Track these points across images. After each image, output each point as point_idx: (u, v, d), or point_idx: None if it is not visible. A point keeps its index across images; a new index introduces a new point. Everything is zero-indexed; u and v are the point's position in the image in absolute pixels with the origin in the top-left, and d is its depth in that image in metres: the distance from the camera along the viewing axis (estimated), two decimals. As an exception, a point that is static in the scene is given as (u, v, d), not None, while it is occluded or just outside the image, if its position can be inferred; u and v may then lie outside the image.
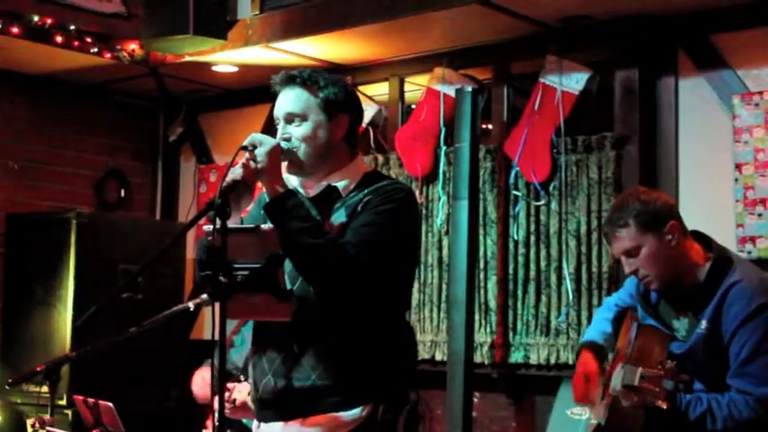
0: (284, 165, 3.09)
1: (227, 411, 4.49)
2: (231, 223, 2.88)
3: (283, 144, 3.07)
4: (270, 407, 3.12)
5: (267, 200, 3.02)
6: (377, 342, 3.07)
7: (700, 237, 3.61)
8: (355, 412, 3.02)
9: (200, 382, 4.72)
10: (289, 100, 3.13)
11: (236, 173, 2.94)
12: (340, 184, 3.14)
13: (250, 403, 3.63)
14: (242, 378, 4.54)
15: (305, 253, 2.94)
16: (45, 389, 3.98)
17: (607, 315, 3.85)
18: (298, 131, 3.10)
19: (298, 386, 3.03)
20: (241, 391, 4.17)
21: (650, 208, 3.51)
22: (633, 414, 3.37)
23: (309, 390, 3.02)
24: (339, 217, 3.07)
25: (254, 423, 3.25)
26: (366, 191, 3.10)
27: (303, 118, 3.11)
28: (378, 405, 3.04)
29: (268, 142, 3.01)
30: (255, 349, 3.19)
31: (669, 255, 3.48)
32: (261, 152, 2.97)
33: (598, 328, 3.83)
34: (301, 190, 3.16)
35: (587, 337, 3.84)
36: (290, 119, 3.12)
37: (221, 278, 2.69)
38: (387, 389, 3.08)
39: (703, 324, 3.43)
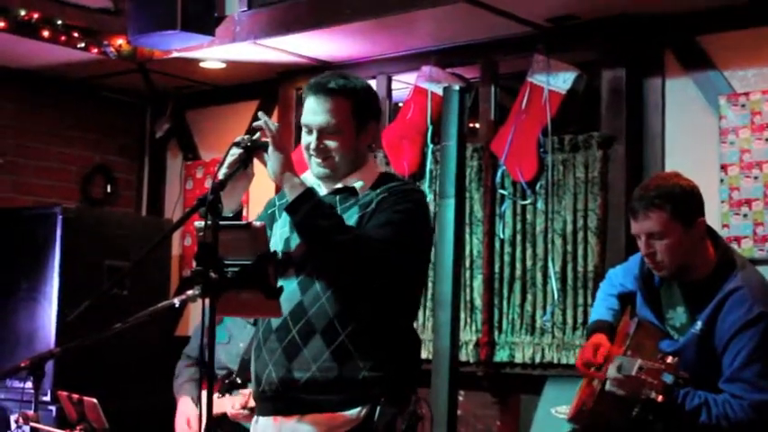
0: (314, 170, 3.13)
1: (240, 416, 4.46)
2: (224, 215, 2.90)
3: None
4: (269, 399, 3.10)
5: (286, 200, 3.02)
6: (381, 340, 3.06)
7: (710, 232, 3.58)
8: (353, 412, 3.00)
9: (185, 426, 4.63)
10: (324, 111, 3.10)
11: (233, 156, 2.97)
12: (357, 185, 3.16)
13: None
14: (238, 380, 4.49)
15: (333, 249, 2.95)
16: (29, 384, 3.95)
17: (612, 291, 3.85)
18: (334, 143, 3.10)
19: (297, 377, 3.02)
20: None
21: (688, 199, 3.46)
22: (621, 404, 3.37)
23: (307, 383, 3.00)
24: (352, 215, 3.08)
25: (254, 418, 3.24)
26: (379, 190, 3.12)
27: (339, 130, 3.10)
28: (375, 406, 3.00)
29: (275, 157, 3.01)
30: (257, 342, 3.18)
31: (688, 249, 3.45)
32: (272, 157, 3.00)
33: (606, 304, 3.83)
34: (318, 189, 3.16)
35: (596, 316, 3.82)
36: (325, 130, 3.10)
37: (211, 274, 2.68)
38: (387, 390, 3.03)
39: (698, 325, 3.43)
